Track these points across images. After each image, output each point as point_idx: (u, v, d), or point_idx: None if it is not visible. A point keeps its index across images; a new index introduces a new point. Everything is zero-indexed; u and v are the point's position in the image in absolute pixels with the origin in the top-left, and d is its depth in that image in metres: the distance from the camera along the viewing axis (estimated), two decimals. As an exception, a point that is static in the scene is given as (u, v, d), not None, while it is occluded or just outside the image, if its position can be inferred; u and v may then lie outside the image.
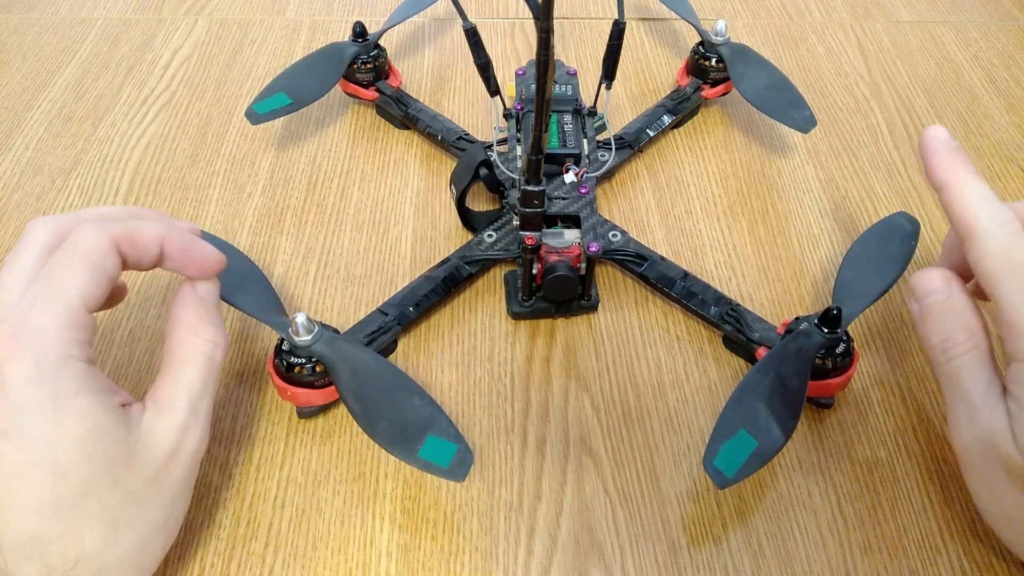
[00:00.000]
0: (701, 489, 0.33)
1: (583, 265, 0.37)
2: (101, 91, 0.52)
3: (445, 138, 0.46)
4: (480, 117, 0.51)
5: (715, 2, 0.62)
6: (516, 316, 0.39)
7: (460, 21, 0.37)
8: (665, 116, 0.48)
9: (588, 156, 0.42)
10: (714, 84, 0.49)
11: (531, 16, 0.36)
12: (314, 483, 0.34)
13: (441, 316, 0.40)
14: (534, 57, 0.28)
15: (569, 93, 0.43)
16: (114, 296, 0.33)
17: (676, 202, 0.46)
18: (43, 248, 0.27)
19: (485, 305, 0.40)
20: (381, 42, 0.49)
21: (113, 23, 0.58)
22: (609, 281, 0.41)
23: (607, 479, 0.34)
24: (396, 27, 0.52)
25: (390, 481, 0.34)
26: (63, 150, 0.48)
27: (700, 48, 0.49)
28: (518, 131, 0.42)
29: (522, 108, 0.42)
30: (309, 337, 0.33)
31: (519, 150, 0.41)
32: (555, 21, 0.27)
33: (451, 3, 0.37)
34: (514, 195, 0.40)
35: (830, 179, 0.47)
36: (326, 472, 0.34)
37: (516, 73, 0.44)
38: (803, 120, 0.45)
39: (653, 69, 0.55)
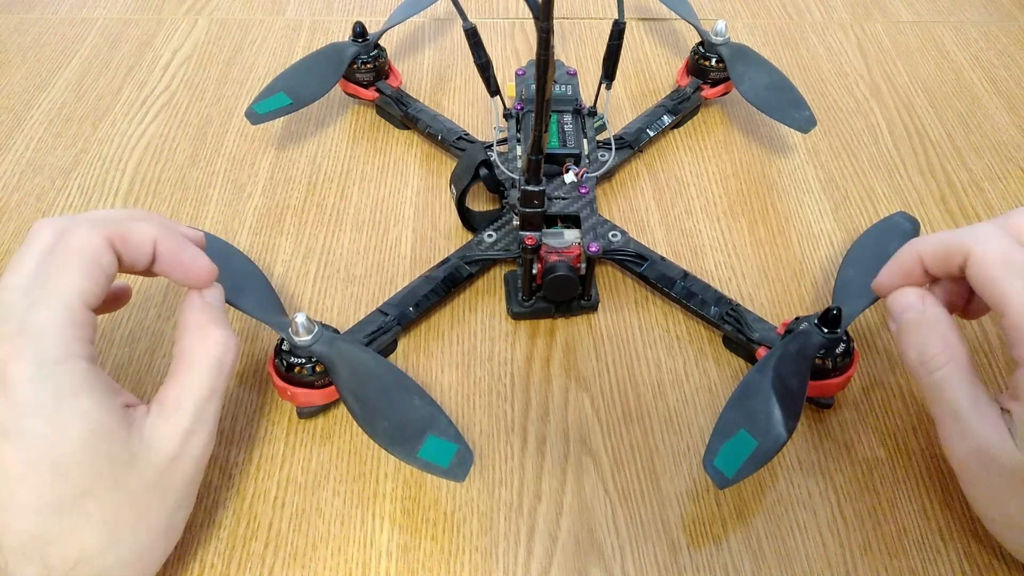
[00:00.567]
0: (701, 489, 0.33)
1: (583, 265, 0.37)
2: (101, 91, 0.52)
3: (445, 138, 0.46)
4: (480, 117, 0.51)
5: (715, 2, 0.61)
6: (516, 316, 0.39)
7: (460, 21, 0.37)
8: (665, 116, 0.48)
9: (588, 156, 0.41)
10: (714, 84, 0.49)
11: (531, 16, 0.36)
12: (314, 483, 0.34)
13: (441, 316, 0.40)
14: (534, 57, 0.28)
15: (569, 93, 0.43)
16: (118, 299, 0.33)
17: (676, 202, 0.45)
18: (47, 250, 0.27)
19: (485, 305, 0.40)
20: (381, 42, 0.49)
21: (113, 23, 0.58)
22: (609, 281, 0.41)
23: (607, 479, 0.34)
24: (396, 27, 0.52)
25: (390, 481, 0.34)
26: (63, 150, 0.48)
27: (700, 48, 0.49)
28: (518, 131, 0.42)
29: (522, 108, 0.42)
30: (309, 337, 0.33)
31: (519, 150, 0.41)
32: (555, 21, 0.27)
33: (451, 3, 0.37)
34: (514, 195, 0.40)
35: (830, 179, 0.47)
36: (326, 472, 0.34)
37: (516, 73, 0.44)
38: (803, 120, 0.45)
39: (653, 69, 0.55)
